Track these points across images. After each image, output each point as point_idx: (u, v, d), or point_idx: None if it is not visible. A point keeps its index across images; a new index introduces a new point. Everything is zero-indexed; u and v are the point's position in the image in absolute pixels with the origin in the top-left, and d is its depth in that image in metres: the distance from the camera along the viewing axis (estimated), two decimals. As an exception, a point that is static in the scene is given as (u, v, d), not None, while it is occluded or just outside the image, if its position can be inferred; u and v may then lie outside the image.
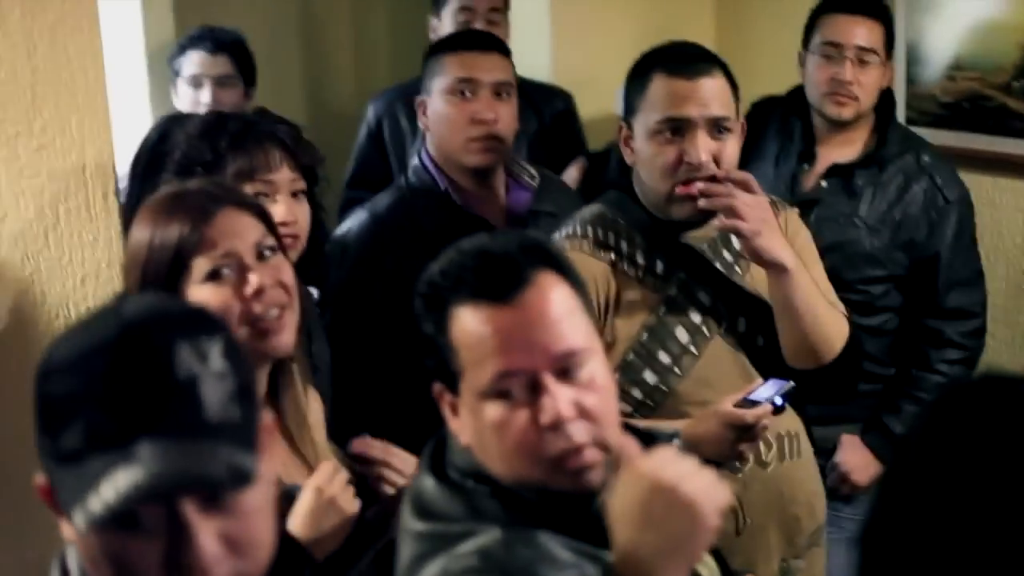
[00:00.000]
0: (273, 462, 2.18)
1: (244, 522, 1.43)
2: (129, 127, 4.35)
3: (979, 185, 4.30)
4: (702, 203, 2.78)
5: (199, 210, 2.23)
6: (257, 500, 1.46)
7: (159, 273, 2.20)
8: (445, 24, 4.42)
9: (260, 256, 2.26)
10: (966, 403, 1.46)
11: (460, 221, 3.40)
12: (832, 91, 3.77)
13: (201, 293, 2.21)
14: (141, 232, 2.25)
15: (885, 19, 3.81)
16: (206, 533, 1.40)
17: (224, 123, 2.81)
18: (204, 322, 1.49)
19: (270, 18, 4.46)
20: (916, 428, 1.50)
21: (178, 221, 2.21)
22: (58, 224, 2.95)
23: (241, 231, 2.24)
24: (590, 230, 2.91)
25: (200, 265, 2.21)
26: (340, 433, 2.63)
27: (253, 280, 2.23)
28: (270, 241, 2.28)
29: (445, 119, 3.42)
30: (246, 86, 4.40)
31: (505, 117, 3.41)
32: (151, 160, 3.64)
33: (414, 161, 3.53)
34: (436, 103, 3.43)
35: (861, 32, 3.75)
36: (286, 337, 2.27)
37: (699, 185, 2.78)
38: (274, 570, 1.51)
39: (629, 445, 1.76)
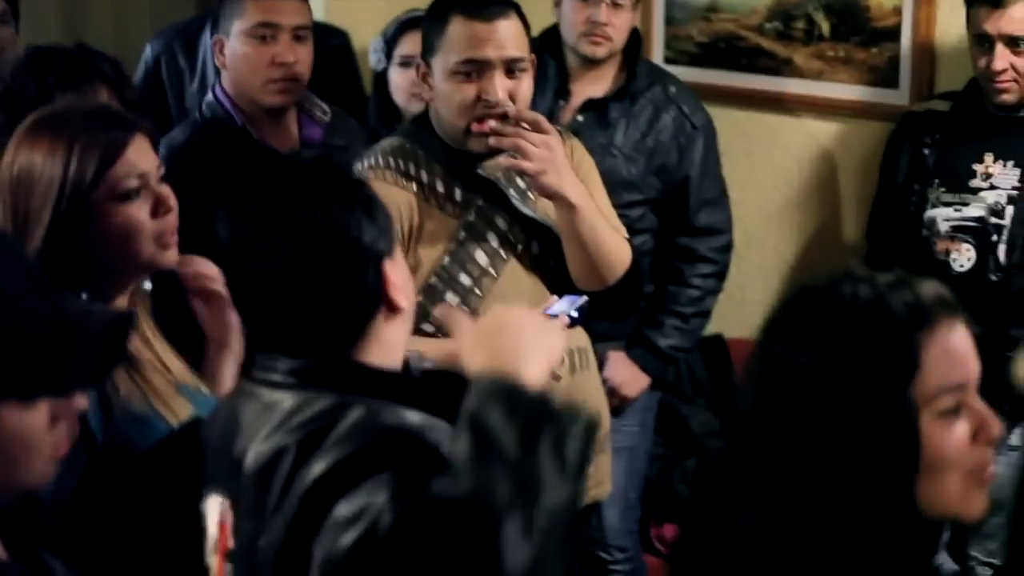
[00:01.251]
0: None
1: None
2: None
3: (733, 119, 4.54)
4: (492, 141, 2.93)
5: (118, 134, 2.32)
6: None
7: (77, 191, 2.28)
8: None
9: (159, 180, 2.39)
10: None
11: (257, 154, 3.50)
12: (588, 32, 3.94)
13: (117, 210, 2.32)
14: (43, 153, 2.30)
15: None
16: None
17: (50, 59, 2.86)
18: None
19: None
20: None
21: (96, 144, 2.30)
22: None
23: (148, 155, 2.37)
24: (392, 160, 3.03)
25: (115, 183, 2.31)
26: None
27: (169, 200, 2.37)
28: (162, 168, 2.41)
29: (244, 60, 3.48)
30: (16, 25, 4.36)
31: (303, 59, 3.50)
32: None
33: (208, 97, 3.58)
34: (235, 44, 3.49)
35: None
36: (176, 251, 2.42)
37: (491, 123, 2.92)
38: None
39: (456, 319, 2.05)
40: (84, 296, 2.29)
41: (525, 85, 2.98)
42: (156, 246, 2.37)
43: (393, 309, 1.99)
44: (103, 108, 2.46)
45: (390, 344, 2.01)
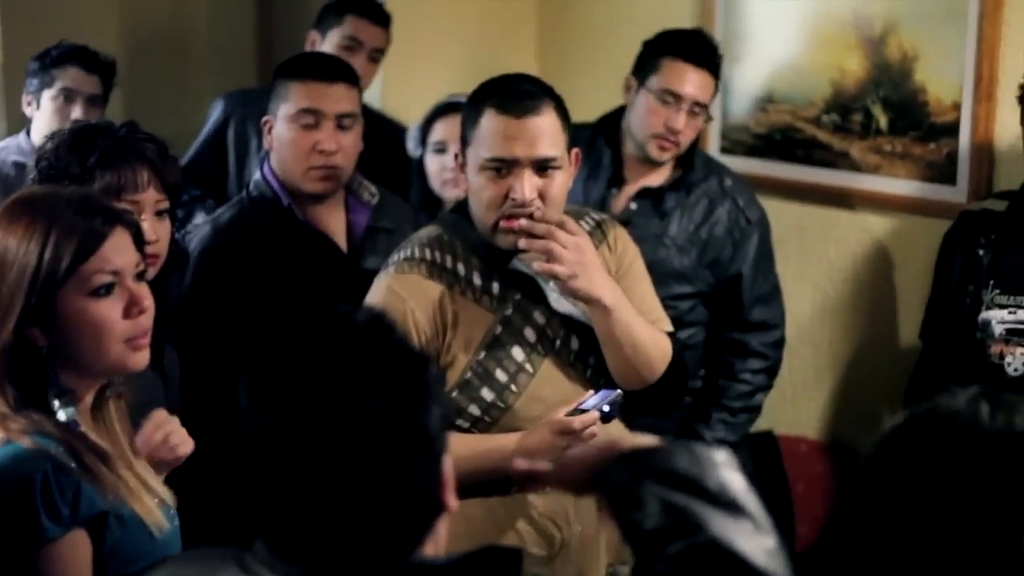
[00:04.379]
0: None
1: None
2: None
3: (788, 212, 4.50)
4: (522, 243, 2.86)
5: (97, 225, 2.26)
6: None
7: (49, 283, 2.21)
8: (326, 46, 4.46)
9: (136, 277, 2.31)
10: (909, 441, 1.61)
11: (302, 237, 3.48)
12: (661, 136, 3.91)
13: (87, 306, 2.24)
14: (19, 236, 2.24)
15: (719, 74, 3.98)
16: None
17: (95, 137, 2.83)
18: None
19: (92, 41, 4.47)
20: (867, 461, 1.64)
21: (74, 233, 2.23)
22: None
23: (127, 251, 2.29)
24: (428, 252, 2.99)
25: (88, 278, 2.24)
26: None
27: (143, 301, 2.29)
28: (142, 264, 2.33)
29: (288, 146, 3.47)
30: (104, 107, 4.42)
31: (347, 147, 3.47)
32: None
33: (256, 176, 3.57)
34: (280, 128, 3.48)
35: (699, 85, 3.90)
36: (147, 354, 2.33)
37: (522, 222, 2.86)
38: None
39: None
40: (51, 392, 2.25)
41: (557, 183, 2.91)
42: (125, 347, 2.29)
43: (445, 510, 1.67)
44: (87, 196, 2.37)
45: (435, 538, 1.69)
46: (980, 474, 1.53)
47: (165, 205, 2.87)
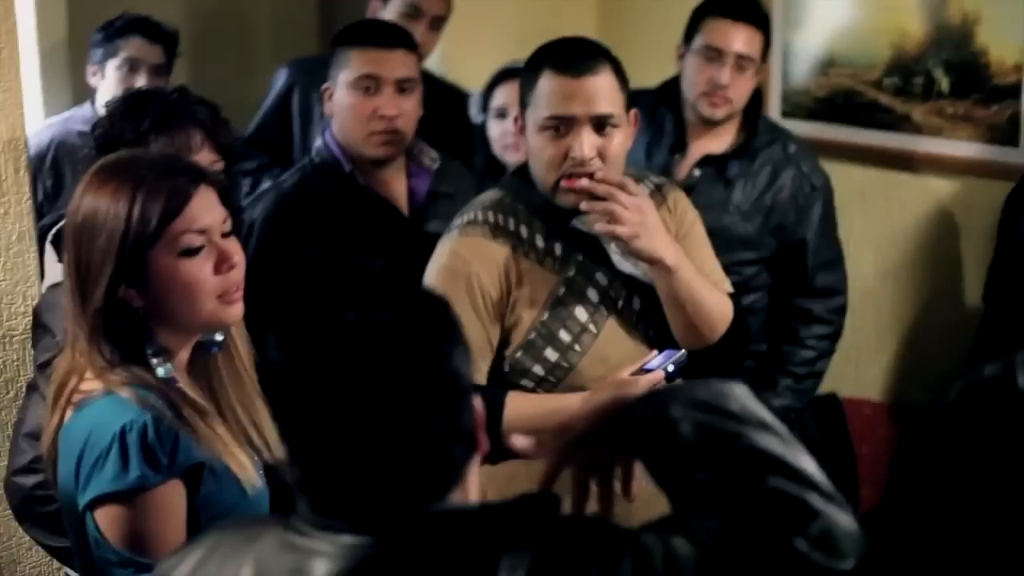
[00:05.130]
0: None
1: None
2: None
3: (849, 175, 4.49)
4: (584, 205, 2.87)
5: (182, 184, 2.28)
6: None
7: (138, 244, 2.24)
8: (388, 12, 4.46)
9: (224, 235, 2.33)
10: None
11: (364, 202, 3.51)
12: (709, 92, 3.91)
13: (177, 264, 2.27)
14: (107, 200, 2.26)
15: (765, 28, 3.97)
16: None
17: (147, 103, 2.87)
18: None
19: (157, 13, 4.51)
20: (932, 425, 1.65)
21: (159, 193, 2.25)
22: (-30, 198, 2.99)
23: (213, 209, 2.30)
24: (491, 215, 3.01)
25: (176, 238, 2.26)
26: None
27: (233, 257, 2.31)
28: (229, 221, 2.35)
29: (348, 111, 3.49)
30: (168, 77, 4.47)
31: (407, 111, 3.50)
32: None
33: (318, 143, 3.60)
34: (340, 94, 3.51)
35: (742, 39, 3.89)
36: (241, 307, 2.35)
37: (583, 182, 2.87)
38: None
39: None
40: (148, 350, 2.29)
41: (616, 142, 2.92)
42: (218, 303, 2.31)
43: (479, 449, 1.70)
44: (170, 158, 2.41)
45: (470, 486, 1.71)
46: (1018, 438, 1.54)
47: (220, 166, 2.89)
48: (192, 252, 2.28)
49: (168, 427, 2.20)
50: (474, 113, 4.47)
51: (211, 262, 2.30)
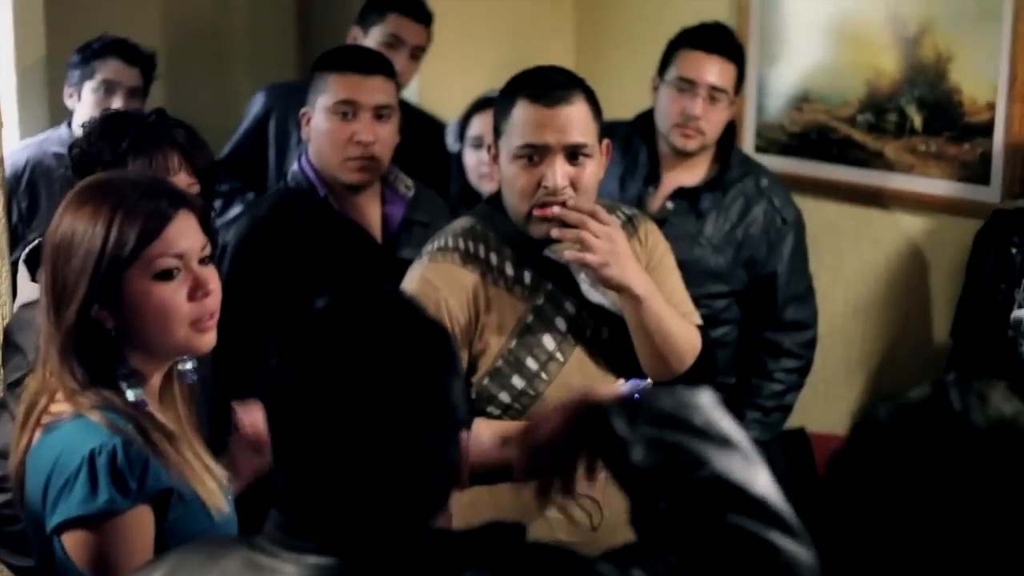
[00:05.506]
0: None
1: None
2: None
3: (822, 211, 4.51)
4: (555, 232, 2.89)
5: (163, 207, 2.27)
6: None
7: (113, 265, 2.23)
8: (368, 42, 4.48)
9: (201, 261, 2.32)
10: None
11: (338, 227, 3.52)
12: (681, 123, 3.94)
13: (153, 288, 2.26)
14: (86, 220, 2.26)
15: (739, 60, 4.00)
16: None
17: (124, 124, 2.87)
18: None
19: (135, 35, 4.52)
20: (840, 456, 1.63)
21: (138, 215, 2.25)
22: (-56, 217, 3.00)
23: (191, 234, 2.30)
24: (461, 242, 3.02)
25: (152, 260, 2.25)
26: (219, 430, 2.72)
27: (209, 284, 2.31)
28: (208, 247, 2.34)
29: (325, 137, 3.51)
30: (144, 99, 4.47)
31: (384, 138, 3.52)
32: None
33: (294, 167, 3.61)
34: (318, 119, 3.53)
35: (715, 71, 3.93)
36: (213, 336, 2.35)
37: (555, 210, 2.89)
38: None
39: None
40: (119, 372, 2.28)
41: (589, 171, 2.94)
42: (191, 330, 2.30)
43: (460, 485, 1.73)
44: (153, 180, 2.40)
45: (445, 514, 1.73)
46: (950, 459, 1.53)
47: (196, 189, 2.88)
48: (167, 276, 2.27)
49: (138, 451, 2.19)
50: (450, 142, 4.49)
51: (186, 287, 2.29)
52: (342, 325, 1.63)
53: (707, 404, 1.73)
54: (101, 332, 2.27)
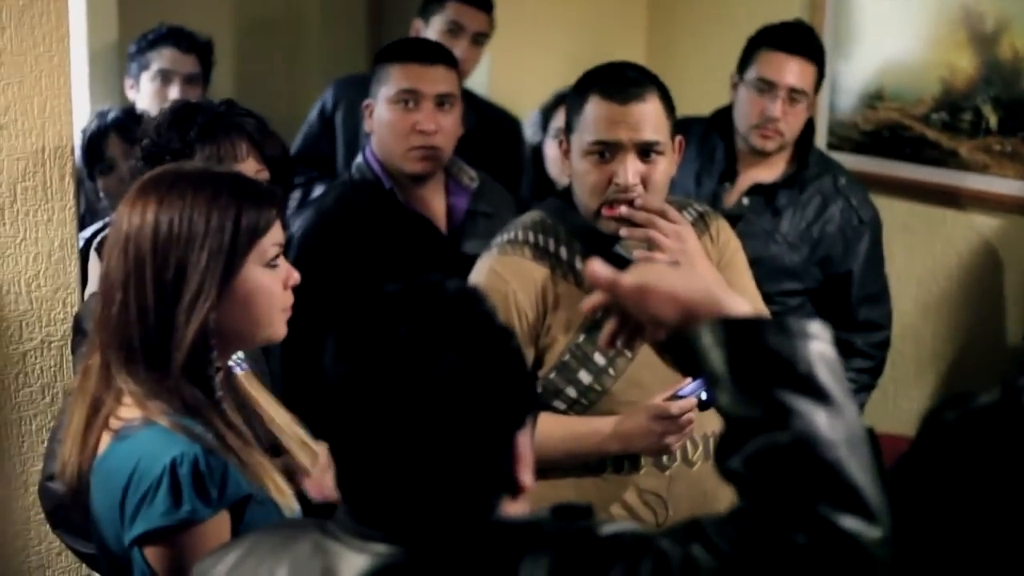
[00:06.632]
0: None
1: None
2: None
3: (894, 210, 4.47)
4: (623, 231, 2.88)
5: (268, 200, 2.30)
6: None
7: (235, 255, 2.24)
8: (430, 32, 4.50)
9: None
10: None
11: (403, 219, 3.51)
12: (760, 125, 3.90)
13: (263, 277, 2.29)
14: (186, 211, 2.24)
15: (819, 61, 3.95)
16: None
17: (193, 114, 2.88)
18: None
19: (207, 22, 4.54)
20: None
21: (251, 207, 2.26)
22: (15, 203, 3.01)
23: (279, 227, 2.33)
24: (531, 235, 3.01)
25: (266, 249, 2.28)
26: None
27: (294, 273, 2.35)
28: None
29: (388, 127, 3.52)
30: (205, 87, 4.48)
31: (446, 128, 3.52)
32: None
33: (359, 159, 3.62)
34: (380, 109, 3.54)
35: (795, 72, 3.88)
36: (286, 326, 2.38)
37: (623, 209, 2.87)
38: None
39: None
40: (210, 368, 2.27)
41: (660, 169, 2.91)
42: (282, 317, 2.34)
43: (517, 491, 1.71)
44: (238, 175, 2.41)
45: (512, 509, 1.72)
46: (1018, 463, 1.53)
47: (266, 176, 2.89)
48: (274, 265, 2.31)
49: (218, 459, 2.18)
50: (530, 134, 4.48)
51: (282, 276, 2.33)
52: (389, 320, 1.64)
53: (816, 344, 1.63)
54: (203, 326, 2.24)
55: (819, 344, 1.62)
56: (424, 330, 1.63)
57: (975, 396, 1.64)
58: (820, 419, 1.57)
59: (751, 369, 1.62)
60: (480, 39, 4.59)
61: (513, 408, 1.67)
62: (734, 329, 1.65)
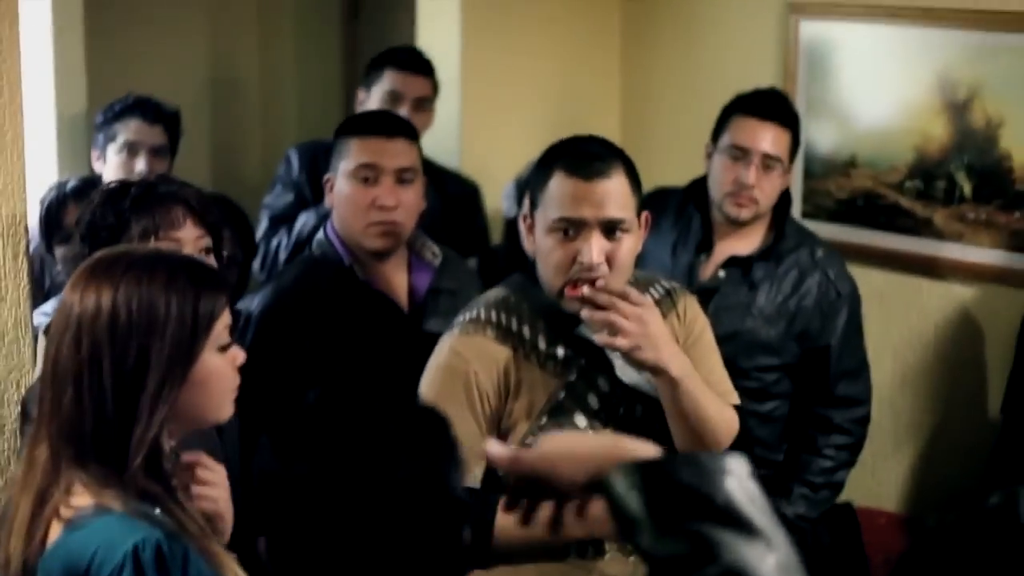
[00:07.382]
0: None
1: None
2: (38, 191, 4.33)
3: (869, 279, 4.42)
4: (584, 314, 2.82)
5: (221, 283, 2.29)
6: None
7: (196, 341, 2.21)
8: (372, 101, 4.49)
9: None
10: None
11: (362, 297, 3.46)
12: (734, 192, 3.85)
13: (218, 361, 2.26)
14: (159, 295, 2.21)
15: (794, 127, 3.91)
16: None
17: (126, 189, 2.85)
18: None
19: (180, 88, 4.50)
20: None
21: (207, 290, 2.24)
22: (-33, 281, 2.96)
23: (227, 310, 2.30)
24: (494, 314, 2.95)
25: (219, 334, 2.26)
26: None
27: (241, 355, 2.32)
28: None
29: (347, 202, 3.46)
30: (172, 158, 4.43)
31: (407, 203, 3.46)
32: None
33: (319, 235, 3.56)
34: (340, 184, 3.48)
35: (768, 138, 3.83)
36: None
37: (584, 290, 2.81)
38: None
39: None
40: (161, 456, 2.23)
41: (626, 247, 2.87)
42: (231, 398, 2.31)
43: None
44: (199, 260, 2.42)
45: None
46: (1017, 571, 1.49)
47: (206, 243, 2.85)
48: (226, 348, 2.29)
49: (180, 544, 2.14)
50: (506, 207, 4.43)
51: (231, 358, 2.31)
52: (334, 419, 1.63)
53: (732, 479, 1.60)
54: (166, 416, 2.21)
55: (735, 479, 1.59)
56: (373, 429, 1.62)
57: (976, 502, 1.60)
58: (747, 550, 1.53)
59: (669, 507, 1.58)
60: (423, 104, 4.56)
61: (462, 490, 1.68)
62: (647, 471, 1.61)
